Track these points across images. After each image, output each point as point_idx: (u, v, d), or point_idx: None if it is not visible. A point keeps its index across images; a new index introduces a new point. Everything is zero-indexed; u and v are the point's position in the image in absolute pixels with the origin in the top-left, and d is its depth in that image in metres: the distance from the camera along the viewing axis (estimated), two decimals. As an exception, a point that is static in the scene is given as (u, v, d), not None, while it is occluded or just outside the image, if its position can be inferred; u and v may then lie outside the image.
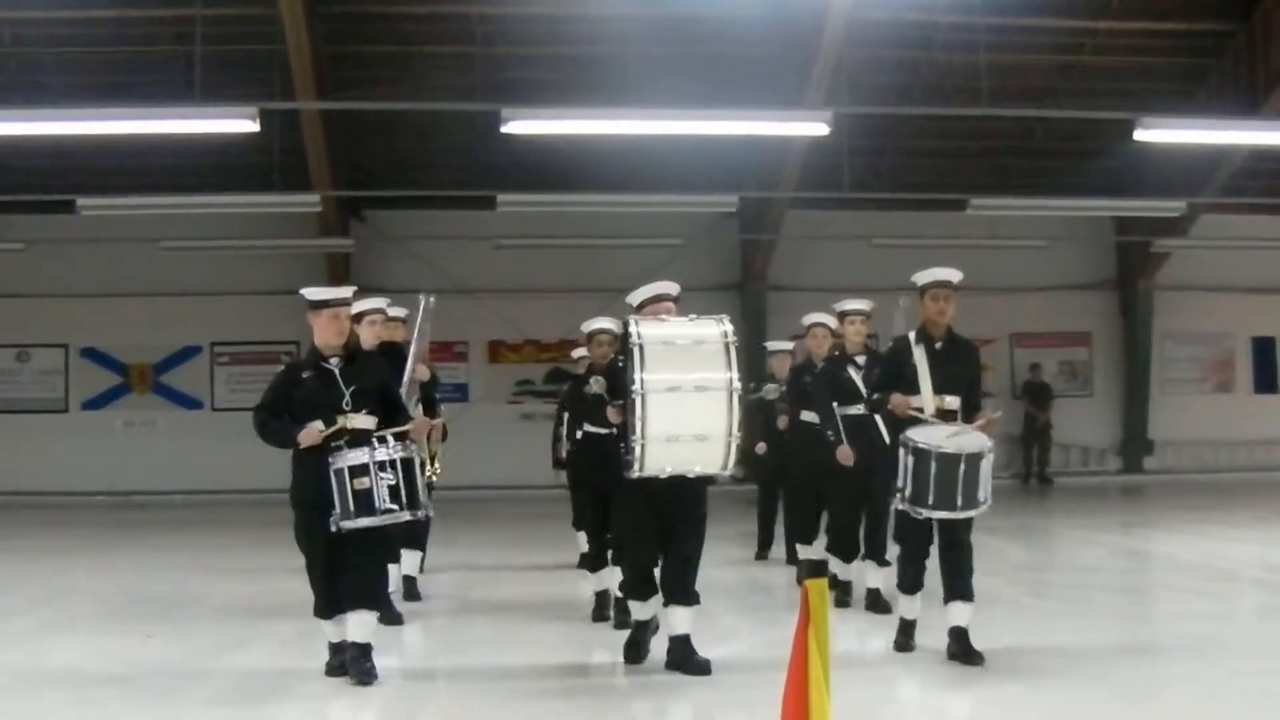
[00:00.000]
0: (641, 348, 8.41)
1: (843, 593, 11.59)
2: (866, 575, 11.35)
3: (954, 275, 9.47)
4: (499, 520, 20.29)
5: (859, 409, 11.27)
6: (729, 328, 8.69)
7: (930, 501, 8.88)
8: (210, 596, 12.74)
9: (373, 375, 9.10)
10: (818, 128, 17.84)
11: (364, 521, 8.51)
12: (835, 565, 11.61)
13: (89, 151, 21.47)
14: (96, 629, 10.96)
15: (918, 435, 9.01)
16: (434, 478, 11.41)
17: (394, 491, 8.56)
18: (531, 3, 20.49)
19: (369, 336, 10.73)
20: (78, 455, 25.43)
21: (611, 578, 10.56)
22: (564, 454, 12.89)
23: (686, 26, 20.54)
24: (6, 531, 19.70)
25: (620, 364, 8.84)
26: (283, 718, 8.06)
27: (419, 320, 11.37)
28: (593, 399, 10.10)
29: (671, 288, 9.35)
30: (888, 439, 10.09)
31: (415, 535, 11.64)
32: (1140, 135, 17.94)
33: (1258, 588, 13.15)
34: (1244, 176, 24.36)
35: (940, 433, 9.04)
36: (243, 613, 11.66)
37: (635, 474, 8.49)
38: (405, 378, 10.85)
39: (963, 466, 8.82)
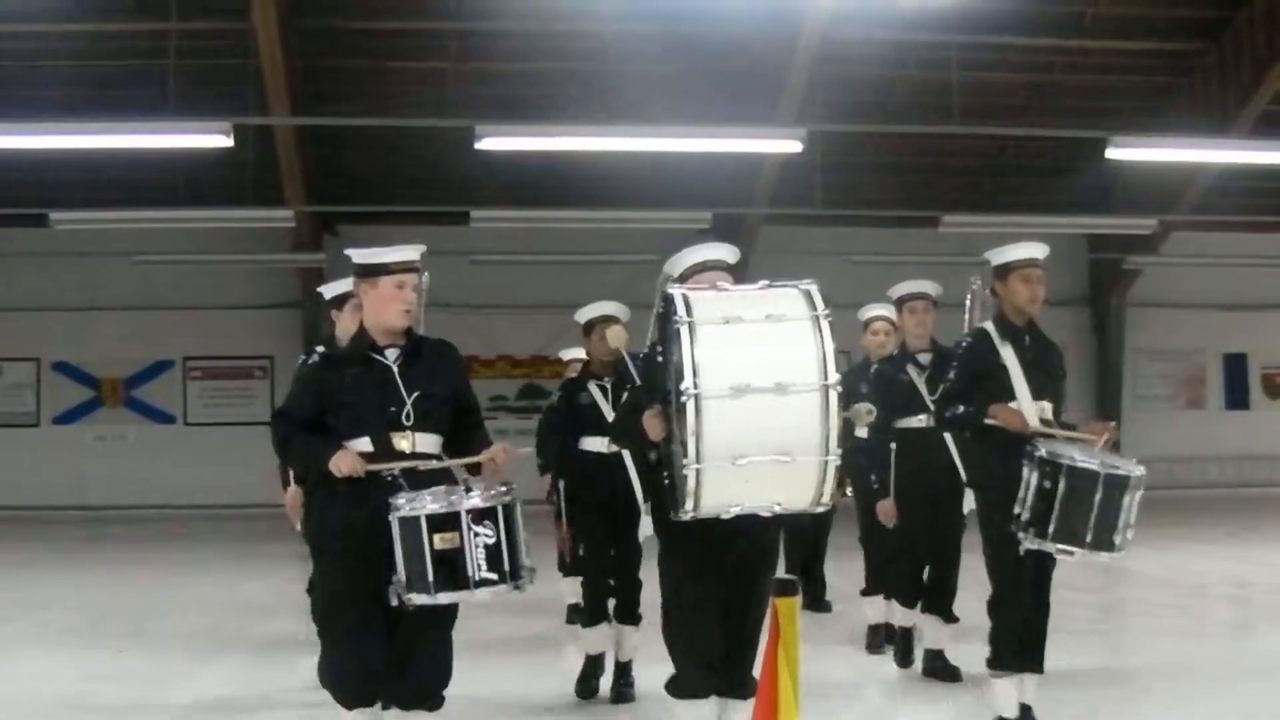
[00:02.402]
0: (692, 329, 5.56)
1: (903, 646, 9.62)
2: (927, 633, 9.31)
3: (1043, 251, 7.53)
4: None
5: (922, 420, 9.07)
6: (817, 297, 5.74)
7: (1088, 540, 6.94)
8: (182, 611, 12.72)
9: (444, 375, 6.42)
10: (791, 145, 17.88)
11: (447, 597, 6.05)
12: (892, 612, 9.94)
13: (62, 165, 21.39)
14: (67, 644, 10.92)
15: (1067, 451, 7.10)
16: None
17: (492, 554, 6.05)
18: (504, 19, 20.46)
19: (350, 324, 7.51)
20: (48, 469, 25.27)
21: (607, 639, 8.85)
22: (549, 488, 10.27)
23: (660, 44, 20.55)
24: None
25: (659, 355, 6.00)
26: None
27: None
28: (588, 408, 8.69)
29: (725, 251, 6.55)
30: (959, 463, 8.86)
31: None
32: (1112, 153, 18.06)
33: (1230, 604, 13.19)
34: (1215, 194, 24.43)
35: (1090, 451, 7.16)
36: (214, 629, 11.64)
37: (686, 514, 5.65)
38: None
39: (1128, 496, 7.00)
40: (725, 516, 5.62)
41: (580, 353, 10.31)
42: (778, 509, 5.63)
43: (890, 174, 25.04)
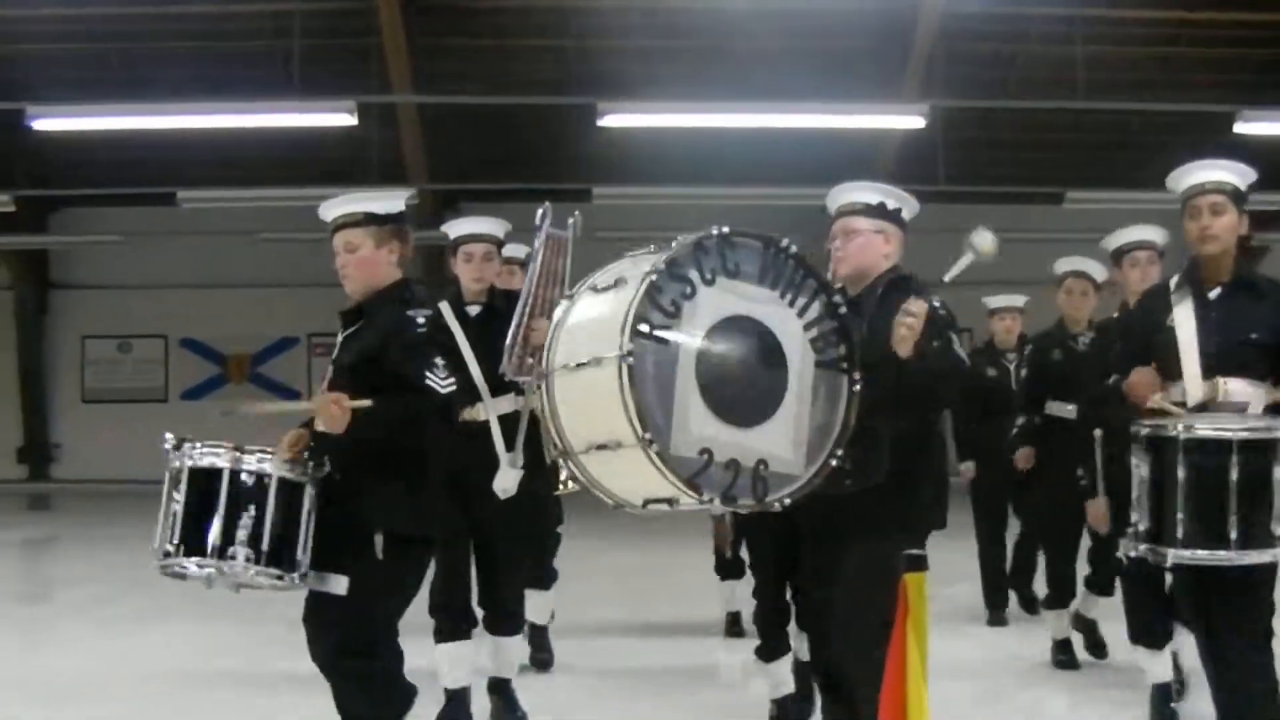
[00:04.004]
0: (573, 300, 5.30)
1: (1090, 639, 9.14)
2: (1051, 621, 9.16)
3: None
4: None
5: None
6: (672, 250, 4.98)
7: (1233, 537, 5.19)
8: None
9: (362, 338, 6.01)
10: (914, 120, 17.82)
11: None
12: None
13: (189, 145, 21.68)
14: (189, 616, 11.02)
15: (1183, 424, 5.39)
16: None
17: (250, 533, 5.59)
18: (623, -4, 20.53)
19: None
20: (178, 445, 25.55)
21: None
22: None
23: (780, 20, 20.49)
24: (106, 519, 19.97)
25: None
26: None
27: (537, 247, 6.78)
28: None
29: (863, 192, 6.27)
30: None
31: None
32: (1240, 127, 17.79)
33: None
34: (1346, 168, 24.03)
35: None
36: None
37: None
38: (511, 335, 6.56)
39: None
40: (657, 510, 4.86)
41: None
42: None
43: (1013, 150, 24.84)
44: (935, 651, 5.23)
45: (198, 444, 5.87)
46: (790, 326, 4.95)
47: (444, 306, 7.64)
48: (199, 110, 18.25)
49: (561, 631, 9.50)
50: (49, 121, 18.18)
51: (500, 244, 7.99)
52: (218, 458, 5.78)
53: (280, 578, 5.59)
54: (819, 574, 5.61)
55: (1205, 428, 5.28)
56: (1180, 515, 5.20)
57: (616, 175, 22.42)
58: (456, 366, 7.08)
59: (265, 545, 5.55)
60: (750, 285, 4.97)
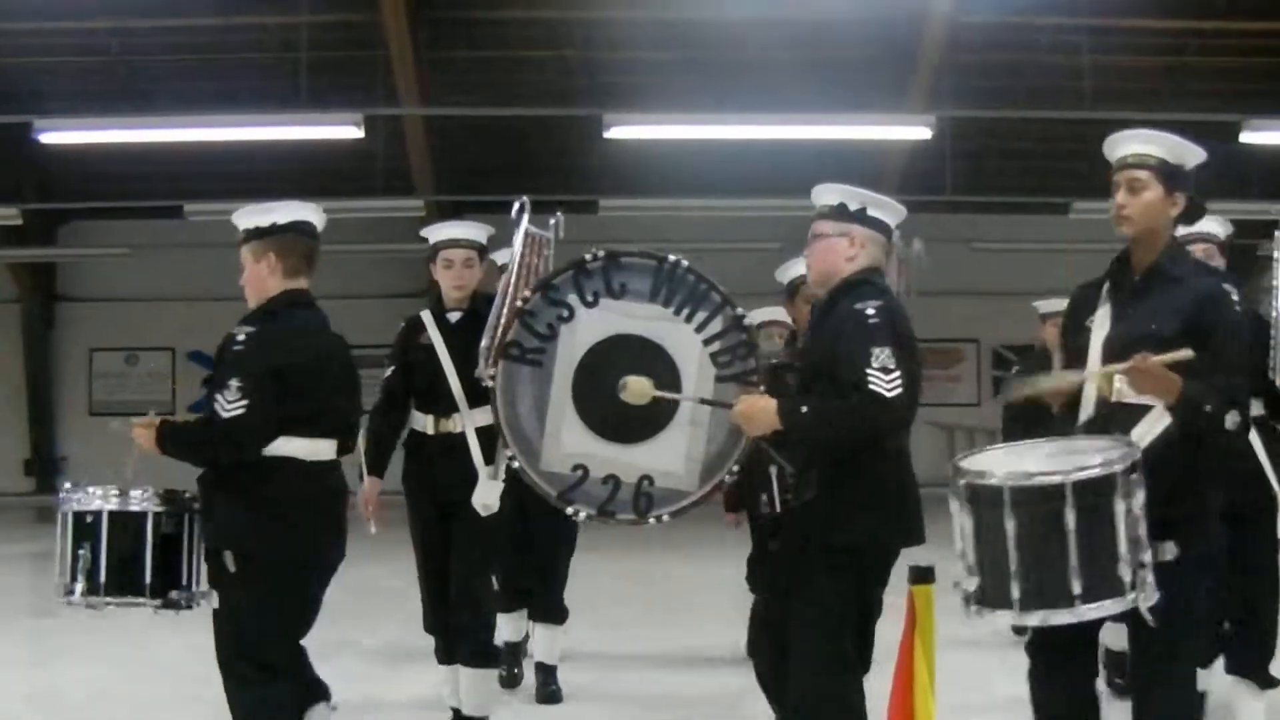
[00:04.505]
0: None
1: None
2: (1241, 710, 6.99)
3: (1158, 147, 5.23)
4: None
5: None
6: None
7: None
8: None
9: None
10: (920, 131, 17.81)
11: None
12: None
13: (195, 157, 21.72)
14: (198, 629, 11.00)
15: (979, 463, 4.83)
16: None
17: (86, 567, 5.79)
18: (628, 8, 20.51)
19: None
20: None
21: None
22: None
23: (786, 31, 20.48)
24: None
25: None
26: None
27: (516, 245, 6.88)
28: None
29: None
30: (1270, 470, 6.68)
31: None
32: (1246, 137, 17.76)
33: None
34: (1354, 178, 24.01)
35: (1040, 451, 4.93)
36: (361, 611, 11.77)
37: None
38: (486, 338, 6.34)
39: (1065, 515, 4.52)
40: None
41: (778, 313, 9.07)
42: None
43: (1020, 159, 24.84)
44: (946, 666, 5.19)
45: (75, 491, 5.96)
46: (685, 341, 5.07)
47: (425, 315, 7.56)
48: (206, 123, 18.25)
49: (575, 659, 9.31)
50: (56, 134, 18.17)
51: (483, 249, 7.76)
52: (71, 503, 5.90)
53: (138, 602, 5.81)
54: (773, 589, 5.63)
55: (1032, 477, 4.59)
56: (1014, 572, 4.54)
57: (623, 187, 22.42)
58: (434, 376, 7.21)
59: (102, 577, 5.74)
60: (639, 304, 5.10)
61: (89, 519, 5.79)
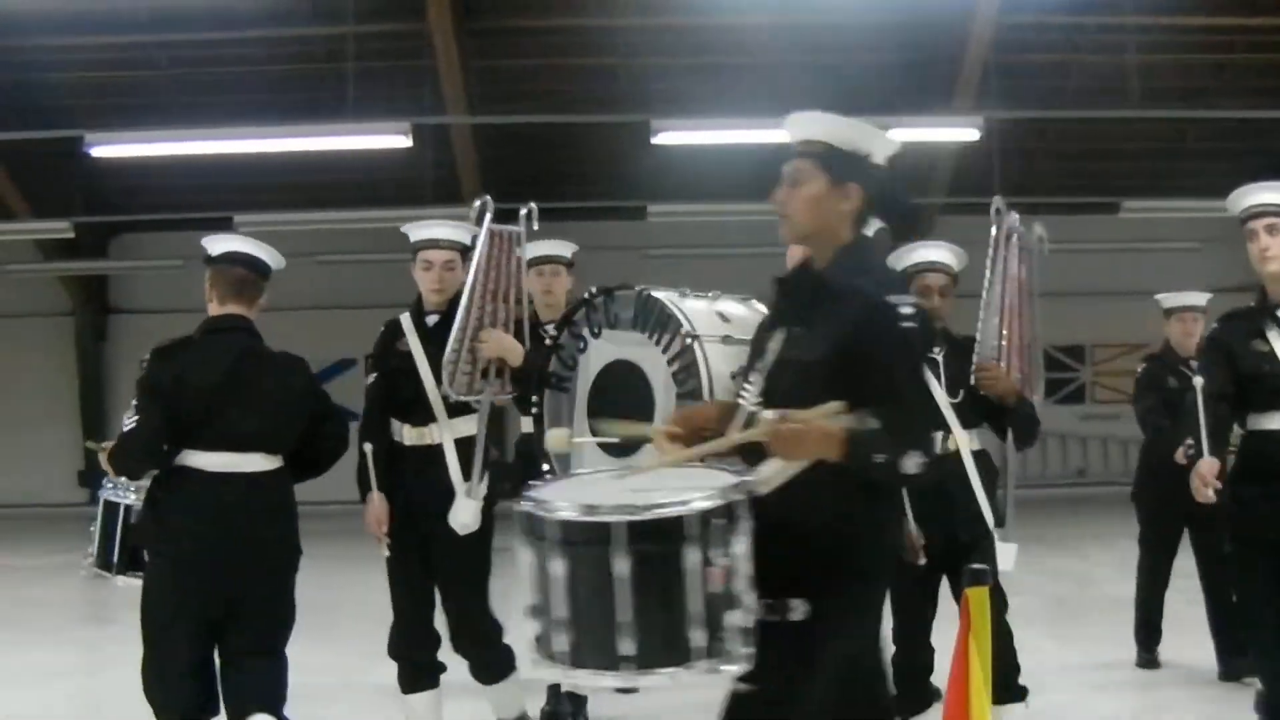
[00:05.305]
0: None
1: None
2: None
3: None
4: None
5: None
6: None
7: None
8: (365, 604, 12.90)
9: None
10: (968, 133, 17.79)
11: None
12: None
13: (245, 169, 21.84)
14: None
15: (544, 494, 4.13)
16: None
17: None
18: (671, 14, 20.52)
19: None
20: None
21: None
22: None
23: (832, 35, 20.49)
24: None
25: None
26: None
27: (480, 246, 7.23)
28: None
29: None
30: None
31: None
32: (1299, 134, 17.69)
33: None
34: (1405, 174, 23.82)
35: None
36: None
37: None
38: (450, 350, 6.78)
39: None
40: None
41: None
42: None
43: (1068, 160, 24.74)
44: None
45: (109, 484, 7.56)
46: (657, 364, 5.26)
47: (404, 319, 7.43)
48: (255, 134, 18.37)
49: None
50: (106, 148, 18.28)
51: (465, 250, 7.42)
52: (105, 493, 7.84)
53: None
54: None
55: (593, 512, 3.87)
56: (563, 621, 3.89)
57: (671, 193, 22.42)
58: (417, 383, 7.06)
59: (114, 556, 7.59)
60: (626, 331, 5.47)
61: (118, 509, 7.58)
